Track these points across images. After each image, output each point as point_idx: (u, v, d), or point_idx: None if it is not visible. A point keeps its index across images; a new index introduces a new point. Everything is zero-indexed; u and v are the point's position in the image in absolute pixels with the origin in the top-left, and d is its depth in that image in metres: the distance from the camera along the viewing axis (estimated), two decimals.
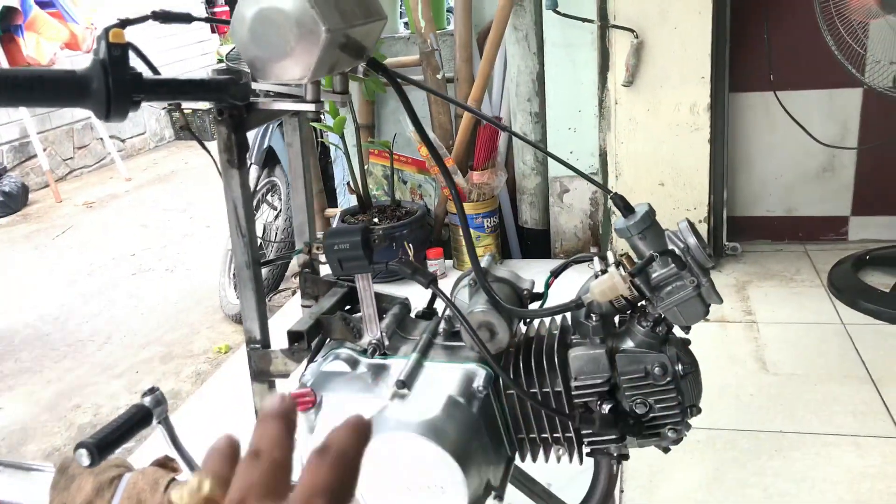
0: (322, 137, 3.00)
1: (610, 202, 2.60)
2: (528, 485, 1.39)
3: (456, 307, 1.06)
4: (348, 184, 2.94)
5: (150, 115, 7.12)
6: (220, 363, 2.76)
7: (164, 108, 7.08)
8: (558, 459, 1.13)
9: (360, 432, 0.41)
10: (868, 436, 1.71)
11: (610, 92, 2.51)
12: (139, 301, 3.75)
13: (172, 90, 0.88)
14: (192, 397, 2.32)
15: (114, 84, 0.79)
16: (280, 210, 3.43)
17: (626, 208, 1.05)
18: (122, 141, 6.78)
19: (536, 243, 2.87)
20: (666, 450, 1.13)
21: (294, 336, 1.11)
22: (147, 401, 0.97)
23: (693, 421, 1.10)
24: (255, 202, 3.43)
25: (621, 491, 1.60)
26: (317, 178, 3.07)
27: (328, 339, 1.19)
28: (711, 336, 2.20)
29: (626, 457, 1.13)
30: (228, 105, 0.96)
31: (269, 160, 3.47)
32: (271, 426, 0.41)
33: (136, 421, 0.94)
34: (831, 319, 2.25)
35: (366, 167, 2.84)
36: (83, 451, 0.87)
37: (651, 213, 1.04)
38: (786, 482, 1.59)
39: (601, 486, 1.11)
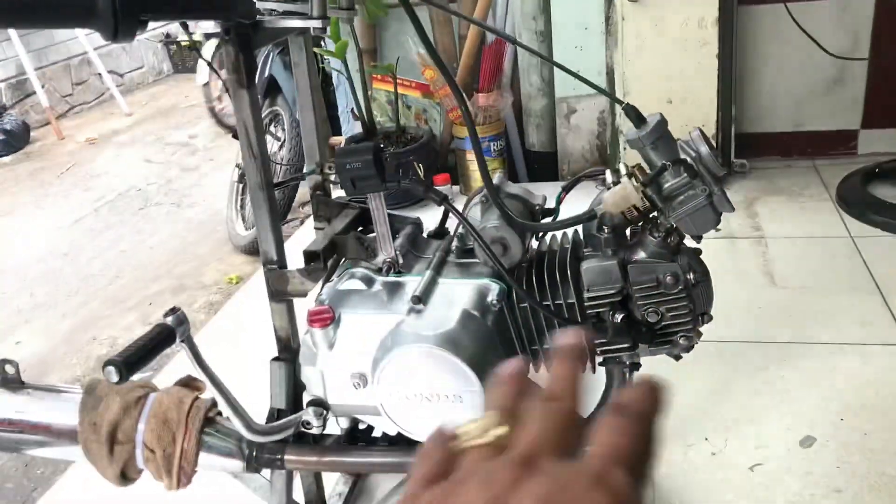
0: (323, 63, 2.96)
1: (619, 120, 2.59)
2: None
3: (468, 223, 1.07)
4: (352, 110, 2.91)
5: (148, 49, 7.01)
6: (231, 293, 2.79)
7: (160, 42, 6.98)
8: None
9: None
10: (874, 344, 1.74)
11: (616, 7, 2.46)
12: (147, 235, 3.77)
13: (179, 8, 0.87)
14: (207, 326, 2.36)
15: (121, 2, 0.78)
16: (284, 140, 3.41)
17: (638, 118, 1.04)
18: (121, 76, 6.70)
19: (544, 166, 2.85)
20: (677, 357, 1.16)
21: (310, 256, 1.12)
22: (170, 320, 0.99)
23: (702, 333, 1.12)
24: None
25: None
26: (320, 105, 3.04)
27: (343, 260, 1.21)
28: (720, 251, 2.21)
29: (638, 365, 1.16)
30: (235, 24, 0.95)
31: (271, 89, 3.43)
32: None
33: (160, 340, 0.96)
34: (839, 233, 2.25)
35: (369, 93, 2.81)
36: (111, 369, 0.90)
37: (663, 122, 1.03)
38: (793, 390, 1.63)
39: (614, 395, 1.14)
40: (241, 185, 3.40)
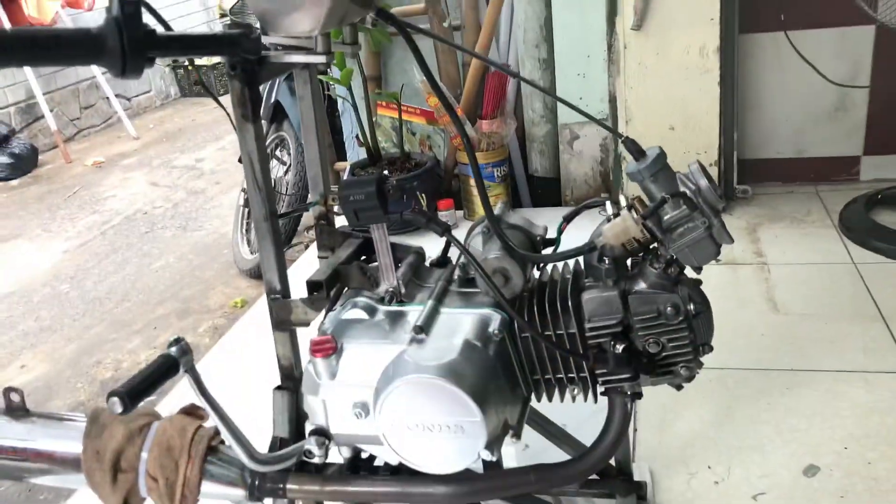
0: (329, 90, 2.99)
1: (621, 147, 2.60)
2: (544, 426, 1.43)
3: (470, 253, 1.08)
4: (357, 136, 2.94)
5: (155, 73, 7.08)
6: (236, 317, 2.81)
7: (167, 66, 7.05)
8: (573, 399, 1.17)
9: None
10: (878, 371, 1.74)
11: (619, 36, 2.49)
12: (153, 259, 3.80)
13: (186, 46, 0.89)
14: (211, 351, 2.37)
15: (129, 41, 0.80)
16: (290, 164, 3.44)
17: (638, 152, 1.06)
18: (128, 100, 6.76)
19: (547, 192, 2.87)
20: (679, 387, 1.16)
21: (313, 286, 1.13)
22: (173, 350, 1.00)
23: (704, 361, 1.12)
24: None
25: (635, 430, 1.64)
26: (325, 132, 3.07)
27: (346, 289, 1.22)
28: (722, 278, 2.22)
29: (639, 395, 1.16)
30: (241, 59, 0.97)
31: (277, 115, 3.47)
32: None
33: (164, 370, 0.97)
34: (842, 259, 2.26)
35: (374, 119, 2.84)
36: (115, 400, 0.91)
37: (662, 156, 1.04)
38: (796, 418, 1.62)
39: (616, 424, 1.14)
40: (246, 210, 3.42)
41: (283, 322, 1.15)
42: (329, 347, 1.08)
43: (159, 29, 0.88)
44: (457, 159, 2.79)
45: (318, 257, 1.28)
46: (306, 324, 1.15)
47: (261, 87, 2.95)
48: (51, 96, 5.93)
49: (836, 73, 2.53)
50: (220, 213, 4.32)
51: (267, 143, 3.46)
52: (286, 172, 3.47)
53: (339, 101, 3.07)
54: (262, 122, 3.37)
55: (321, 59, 0.99)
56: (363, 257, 1.24)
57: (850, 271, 2.19)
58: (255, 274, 3.24)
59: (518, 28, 2.71)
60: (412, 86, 2.82)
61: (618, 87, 2.57)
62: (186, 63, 7.12)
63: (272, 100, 3.38)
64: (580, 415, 1.35)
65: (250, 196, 1.07)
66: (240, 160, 1.08)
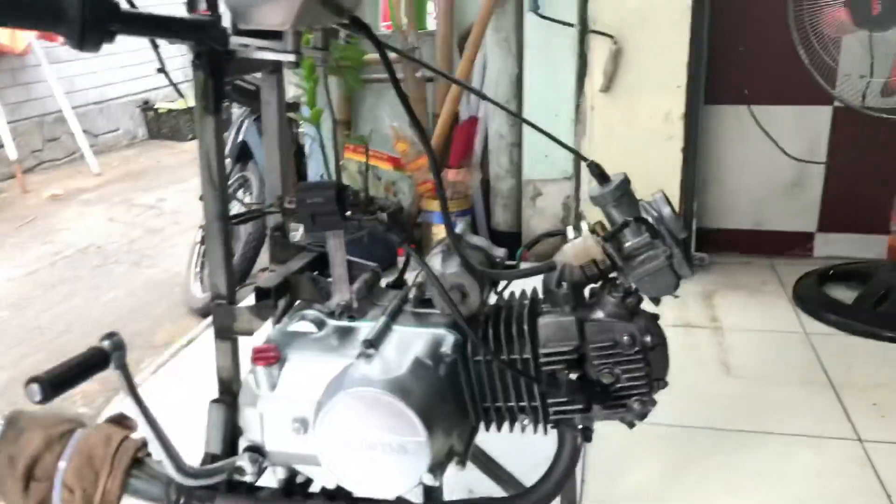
0: (298, 128, 2.99)
1: (582, 203, 2.62)
2: (491, 468, 1.38)
3: (428, 266, 1.05)
4: (322, 177, 2.93)
5: (124, 113, 7.04)
6: (179, 352, 2.71)
7: (138, 107, 7.01)
8: (523, 430, 1.12)
9: None
10: (826, 437, 1.73)
11: (587, 97, 2.54)
12: (103, 292, 3.68)
13: (149, 25, 0.87)
14: (149, 381, 2.28)
15: (90, 10, 0.78)
16: (251, 206, 3.40)
17: (602, 176, 1.05)
18: (95, 136, 6.69)
19: (508, 245, 2.86)
20: (631, 425, 1.13)
21: (261, 293, 1.09)
22: (106, 344, 0.94)
23: (657, 416, 1.08)
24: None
25: (582, 481, 1.60)
26: (292, 171, 3.05)
27: (296, 302, 1.18)
28: (677, 340, 2.19)
29: (590, 433, 1.12)
30: (207, 48, 0.95)
31: (243, 155, 3.44)
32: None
33: (92, 363, 0.91)
34: (794, 328, 2.28)
35: (341, 162, 2.83)
36: (35, 387, 0.84)
37: (626, 181, 1.04)
38: (745, 478, 1.60)
39: (564, 459, 1.10)
40: (202, 247, 3.35)
41: (226, 329, 1.10)
42: (272, 356, 1.04)
43: (124, 5, 0.86)
44: (420, 207, 2.78)
45: (269, 270, 1.24)
46: (250, 333, 1.10)
47: (228, 129, 2.91)
48: (14, 126, 5.83)
49: (795, 149, 2.61)
50: (177, 252, 4.22)
51: (229, 181, 3.41)
52: None
53: (308, 142, 3.07)
54: (227, 160, 3.37)
55: (290, 56, 0.97)
56: (317, 272, 1.21)
57: (801, 340, 2.20)
58: (206, 313, 3.15)
59: (490, 83, 2.75)
60: (380, 133, 2.83)
61: (583, 147, 2.61)
62: (157, 105, 7.12)
63: (239, 139, 3.36)
64: (527, 463, 1.31)
65: (204, 193, 1.04)
66: (201, 198, 1.05)
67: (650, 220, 1.03)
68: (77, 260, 4.15)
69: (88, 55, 6.59)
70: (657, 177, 2.53)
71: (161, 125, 7.12)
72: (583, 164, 2.61)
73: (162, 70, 1.09)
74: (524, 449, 1.26)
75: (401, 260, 1.13)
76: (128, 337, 2.98)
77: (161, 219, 4.87)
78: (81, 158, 6.24)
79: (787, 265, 2.75)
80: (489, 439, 1.31)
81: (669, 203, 1.04)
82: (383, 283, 1.23)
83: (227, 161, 3.36)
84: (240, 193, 3.50)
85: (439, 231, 2.12)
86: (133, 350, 3.01)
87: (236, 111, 3.52)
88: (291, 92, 2.68)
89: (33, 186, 5.66)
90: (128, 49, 6.87)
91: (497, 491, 1.35)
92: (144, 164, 6.41)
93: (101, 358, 0.93)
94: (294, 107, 2.83)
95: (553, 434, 1.12)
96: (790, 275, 2.62)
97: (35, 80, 6.10)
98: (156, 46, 1.01)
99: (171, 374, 2.30)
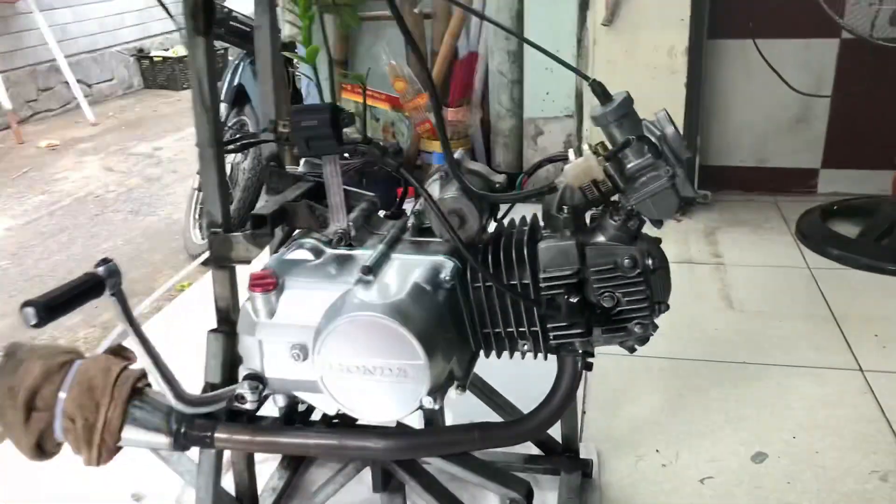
0: (294, 67, 2.93)
1: (585, 141, 2.58)
2: (490, 396, 1.38)
3: (425, 191, 1.04)
4: None
5: (119, 62, 6.93)
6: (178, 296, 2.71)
7: (132, 56, 6.91)
8: (523, 355, 1.12)
9: None
10: (828, 367, 1.73)
11: (589, 31, 2.48)
12: (101, 241, 3.66)
13: None
14: (153, 318, 2.28)
15: None
16: (248, 151, 3.36)
17: (604, 95, 1.02)
18: (89, 86, 6.60)
19: (512, 182, 2.84)
20: (632, 349, 1.12)
21: (257, 220, 1.07)
22: (100, 270, 0.93)
23: (658, 350, 1.08)
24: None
25: (583, 412, 1.60)
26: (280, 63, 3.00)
27: (294, 232, 1.16)
28: (680, 276, 2.20)
29: (591, 355, 1.11)
30: None
31: (239, 99, 3.39)
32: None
33: (87, 288, 0.90)
34: (797, 263, 2.26)
35: (338, 103, 2.79)
36: (30, 310, 0.83)
37: (629, 100, 1.01)
38: (747, 408, 1.60)
39: (565, 384, 1.10)
40: (200, 193, 3.33)
41: (223, 258, 1.09)
42: (269, 283, 1.02)
43: None
44: (420, 148, 2.75)
45: (265, 200, 1.22)
46: (247, 261, 1.09)
47: (225, 72, 2.84)
48: (6, 76, 5.75)
49: (800, 83, 2.55)
50: (175, 200, 4.20)
51: (227, 127, 3.37)
52: (245, 159, 3.38)
53: (304, 83, 3.02)
54: (224, 104, 3.32)
55: None
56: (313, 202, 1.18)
57: (804, 275, 2.19)
58: (206, 259, 3.14)
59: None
60: (378, 72, 2.78)
61: (585, 83, 2.56)
62: (151, 54, 7.01)
63: (235, 83, 3.31)
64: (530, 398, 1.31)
65: (196, 118, 1.01)
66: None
67: (653, 139, 1.00)
68: (75, 209, 4.13)
69: (80, 1, 6.47)
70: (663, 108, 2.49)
71: (157, 74, 7.02)
72: (584, 99, 2.57)
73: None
74: (528, 383, 1.26)
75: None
76: (128, 284, 2.98)
77: (158, 167, 4.84)
78: (77, 108, 6.17)
79: (790, 202, 2.73)
80: (493, 377, 1.32)
81: (672, 122, 1.02)
82: (381, 215, 1.21)
83: (224, 105, 3.31)
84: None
85: None
86: (134, 297, 3.02)
87: (232, 56, 3.46)
88: (287, 31, 2.62)
89: (29, 137, 5.61)
90: None
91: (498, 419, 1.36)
92: (140, 113, 6.34)
93: (96, 283, 0.92)
94: (290, 46, 2.78)
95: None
96: (794, 211, 2.60)
97: (26, 28, 5.99)
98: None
99: (171, 315, 2.30)
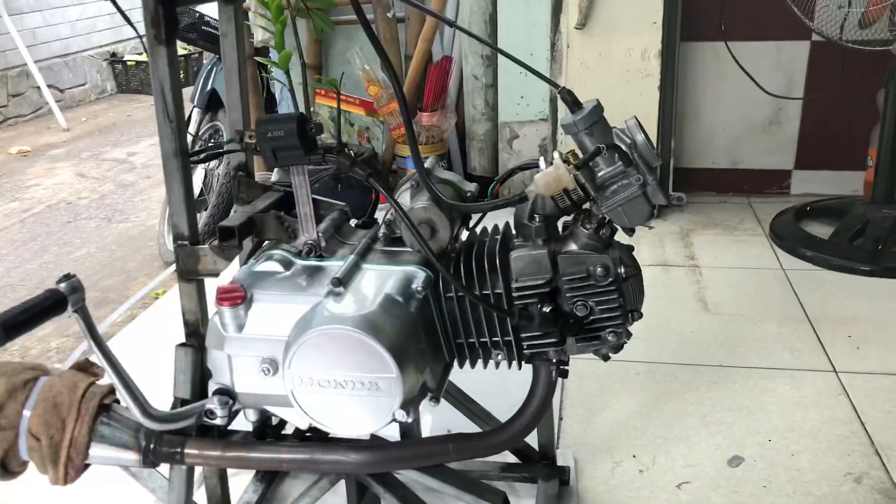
0: (267, 73, 2.90)
1: (560, 145, 2.57)
2: (465, 404, 1.37)
3: (395, 201, 1.02)
4: None
5: (92, 67, 6.85)
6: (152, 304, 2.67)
7: (105, 60, 6.83)
8: (497, 365, 1.11)
9: None
10: (803, 369, 1.74)
11: (562, 35, 2.48)
12: (74, 248, 3.61)
13: None
14: (122, 332, 2.25)
15: None
16: (222, 158, 3.33)
17: (574, 103, 1.02)
18: (61, 91, 6.51)
19: (484, 190, 2.84)
20: (605, 357, 1.11)
21: (225, 232, 1.05)
22: (63, 287, 0.91)
23: (634, 353, 1.08)
24: (196, 147, 3.31)
25: (560, 418, 1.60)
26: (247, 73, 2.98)
27: (263, 243, 1.14)
28: (654, 278, 2.21)
29: (565, 367, 1.11)
30: None
31: (213, 103, 3.36)
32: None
33: (49, 305, 0.88)
34: (772, 265, 2.28)
35: (312, 108, 2.76)
36: None
37: (599, 108, 1.01)
38: (723, 411, 1.61)
39: (539, 393, 1.09)
40: None
41: (190, 271, 1.07)
42: (237, 296, 1.01)
43: None
44: (395, 153, 2.73)
45: (234, 211, 1.20)
46: (215, 274, 1.07)
47: (198, 75, 2.80)
48: None
49: (772, 85, 2.57)
50: (149, 206, 4.16)
51: (201, 132, 3.34)
52: (218, 165, 3.35)
53: (278, 89, 2.99)
54: (197, 109, 3.28)
55: None
56: (283, 211, 1.17)
57: (778, 277, 2.20)
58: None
59: (463, 23, 2.68)
60: (352, 77, 2.76)
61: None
62: (125, 58, 6.94)
63: (209, 87, 3.27)
64: (506, 405, 1.30)
65: (160, 129, 0.99)
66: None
67: (623, 147, 1.00)
68: (47, 216, 4.07)
69: (50, 5, 6.38)
70: (634, 115, 2.50)
71: (130, 78, 6.95)
72: (558, 102, 2.57)
73: (117, 8, 1.03)
74: (504, 391, 1.25)
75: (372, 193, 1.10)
76: (102, 292, 2.94)
77: (132, 173, 4.78)
78: (49, 113, 6.09)
79: (764, 203, 2.75)
80: (469, 384, 1.31)
81: (643, 130, 1.01)
82: (353, 224, 1.20)
83: (197, 111, 3.28)
84: (211, 143, 3.43)
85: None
86: (108, 304, 2.98)
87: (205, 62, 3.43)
88: (259, 35, 2.60)
89: None
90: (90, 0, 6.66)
91: (474, 428, 1.35)
92: (113, 118, 6.27)
93: (59, 300, 0.90)
94: (262, 51, 2.75)
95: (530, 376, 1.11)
96: (767, 212, 2.62)
97: None
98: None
99: (144, 324, 2.27)
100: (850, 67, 2.45)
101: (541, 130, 2.70)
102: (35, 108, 6.27)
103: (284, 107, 3.06)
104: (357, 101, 2.78)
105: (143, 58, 6.89)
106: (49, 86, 6.10)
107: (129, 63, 6.91)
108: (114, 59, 6.96)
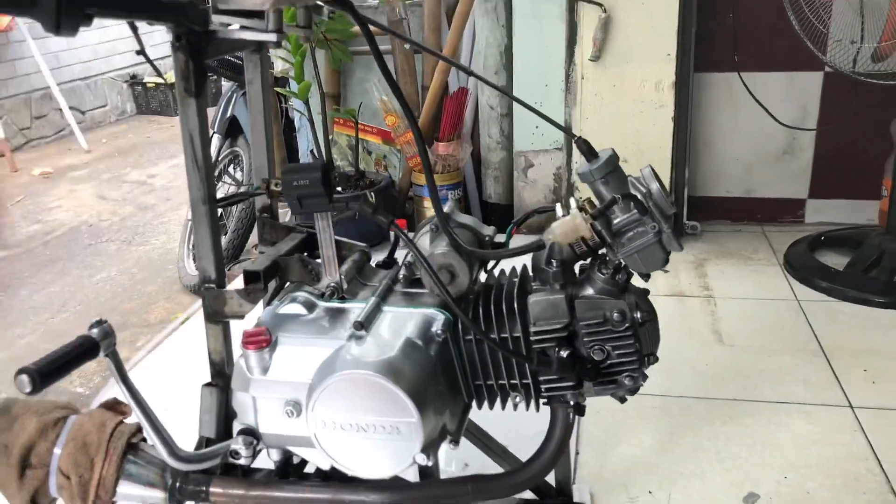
0: (286, 103, 2.96)
1: (574, 174, 2.60)
2: (484, 441, 1.39)
3: (416, 247, 1.05)
4: (312, 152, 2.91)
5: (112, 89, 6.96)
6: (175, 329, 2.71)
7: (125, 82, 6.93)
8: (515, 407, 1.13)
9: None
10: (818, 404, 1.74)
11: (577, 66, 2.51)
12: (95, 271, 3.67)
13: (126, 7, 0.85)
14: (145, 360, 2.28)
15: None
16: (242, 182, 3.38)
17: (590, 153, 1.05)
18: (83, 113, 6.62)
19: (500, 218, 2.86)
20: (622, 400, 1.14)
21: (250, 276, 1.08)
22: (95, 332, 0.94)
23: (649, 387, 1.09)
24: (216, 173, 3.36)
25: (577, 452, 1.61)
26: (279, 145, 3.03)
27: (287, 284, 1.18)
28: (669, 309, 2.22)
29: (582, 408, 1.13)
30: (186, 29, 0.93)
31: (232, 130, 3.41)
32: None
33: (82, 351, 0.91)
34: (786, 296, 2.28)
35: (330, 137, 2.81)
36: (24, 378, 0.84)
37: (614, 157, 1.04)
38: (738, 446, 1.61)
39: (557, 435, 1.11)
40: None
41: (217, 314, 1.10)
42: (262, 340, 1.04)
43: None
44: (412, 181, 2.77)
45: (259, 252, 1.23)
46: (241, 316, 1.10)
47: (217, 102, 2.85)
48: (1, 104, 5.77)
49: (785, 116, 2.59)
50: (169, 228, 4.21)
51: (220, 158, 3.39)
52: (239, 189, 3.40)
53: (297, 117, 3.04)
54: (217, 136, 3.33)
55: (271, 36, 0.96)
56: (306, 253, 1.20)
57: (793, 308, 2.21)
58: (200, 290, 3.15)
59: (479, 54, 2.72)
60: (370, 105, 2.80)
61: (574, 117, 2.59)
62: (145, 80, 7.04)
63: (228, 114, 3.33)
64: (522, 436, 1.32)
65: (189, 177, 1.03)
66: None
67: (638, 196, 1.02)
68: (69, 239, 4.13)
69: None
70: (648, 145, 2.53)
71: (150, 100, 7.05)
72: (575, 132, 2.60)
73: (141, 52, 1.07)
74: (519, 422, 1.27)
75: (392, 235, 1.13)
76: (122, 316, 2.98)
77: (152, 195, 4.85)
78: (70, 135, 6.19)
79: (778, 232, 2.76)
80: (484, 414, 1.33)
81: (658, 178, 1.04)
82: (374, 261, 1.23)
83: (217, 137, 3.34)
84: (230, 169, 3.48)
85: (430, 205, 2.12)
86: (128, 328, 3.03)
87: (226, 85, 3.49)
88: (279, 66, 2.65)
89: (23, 165, 5.62)
90: (113, 23, 6.78)
91: (492, 465, 1.36)
92: (133, 140, 6.36)
93: (91, 346, 0.93)
94: (282, 82, 2.80)
95: (546, 408, 1.13)
96: (781, 242, 2.63)
97: (20, 57, 6.02)
98: (134, 28, 0.99)
99: (168, 353, 2.30)
100: (864, 98, 2.47)
101: (555, 159, 2.73)
102: (57, 129, 6.38)
103: (303, 135, 3.10)
104: (375, 130, 2.82)
105: (164, 79, 6.99)
106: (71, 108, 6.20)
107: (148, 85, 7.01)
108: (133, 81, 7.06)
